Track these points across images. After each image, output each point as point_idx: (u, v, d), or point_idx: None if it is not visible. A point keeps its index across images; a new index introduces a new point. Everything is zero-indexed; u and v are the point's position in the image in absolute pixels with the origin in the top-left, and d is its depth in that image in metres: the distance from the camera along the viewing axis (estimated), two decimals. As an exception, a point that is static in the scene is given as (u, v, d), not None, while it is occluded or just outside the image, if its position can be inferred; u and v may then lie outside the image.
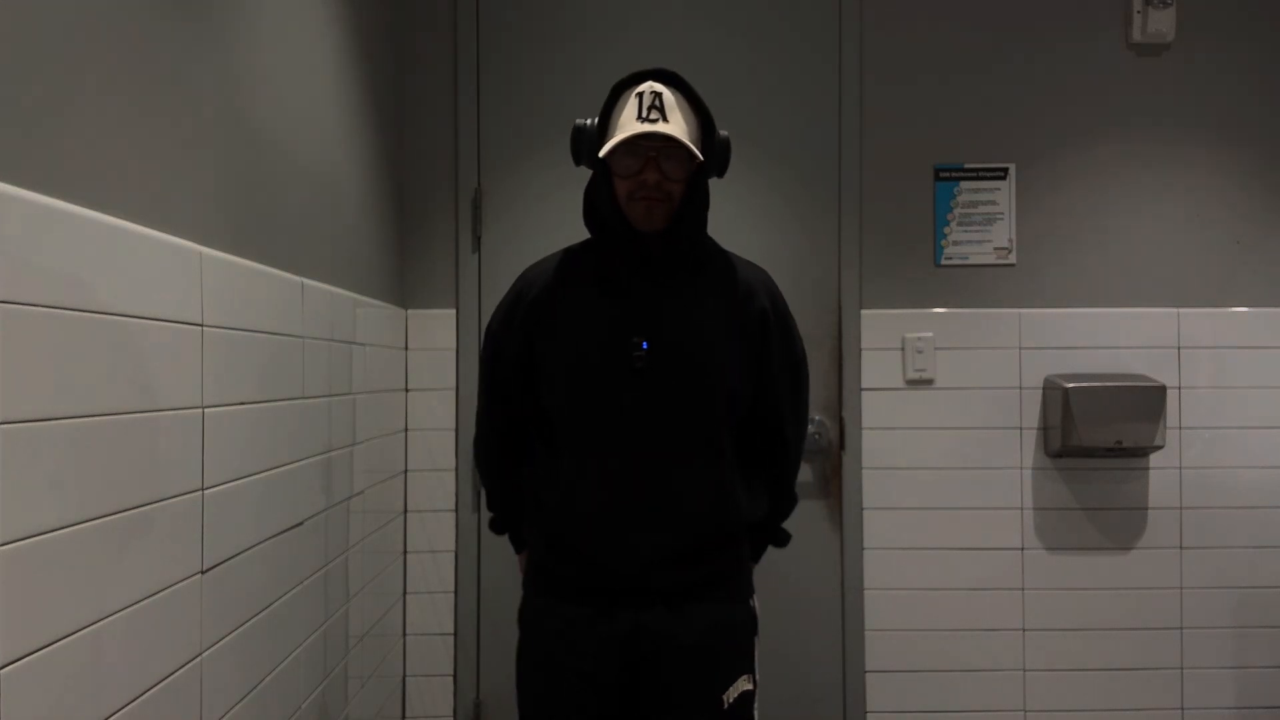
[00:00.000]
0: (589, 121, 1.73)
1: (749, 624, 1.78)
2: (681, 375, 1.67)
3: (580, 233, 1.81)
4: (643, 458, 1.67)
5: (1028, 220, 2.73)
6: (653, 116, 1.62)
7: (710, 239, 1.80)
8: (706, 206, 1.74)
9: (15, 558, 0.95)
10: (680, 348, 1.68)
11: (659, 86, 1.65)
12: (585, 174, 2.46)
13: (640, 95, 1.64)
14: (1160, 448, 2.62)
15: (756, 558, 1.88)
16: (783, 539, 1.91)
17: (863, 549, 2.69)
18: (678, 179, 1.65)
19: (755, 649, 1.79)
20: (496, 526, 1.93)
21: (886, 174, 2.72)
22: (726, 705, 1.71)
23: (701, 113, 1.69)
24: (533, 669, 1.77)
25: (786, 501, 1.88)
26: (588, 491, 1.69)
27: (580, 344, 1.69)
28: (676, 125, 1.63)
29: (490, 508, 1.94)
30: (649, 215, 1.66)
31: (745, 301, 1.74)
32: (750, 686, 1.74)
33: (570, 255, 1.80)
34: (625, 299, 1.70)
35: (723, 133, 1.71)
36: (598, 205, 1.72)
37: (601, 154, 1.65)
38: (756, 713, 1.78)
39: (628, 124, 1.63)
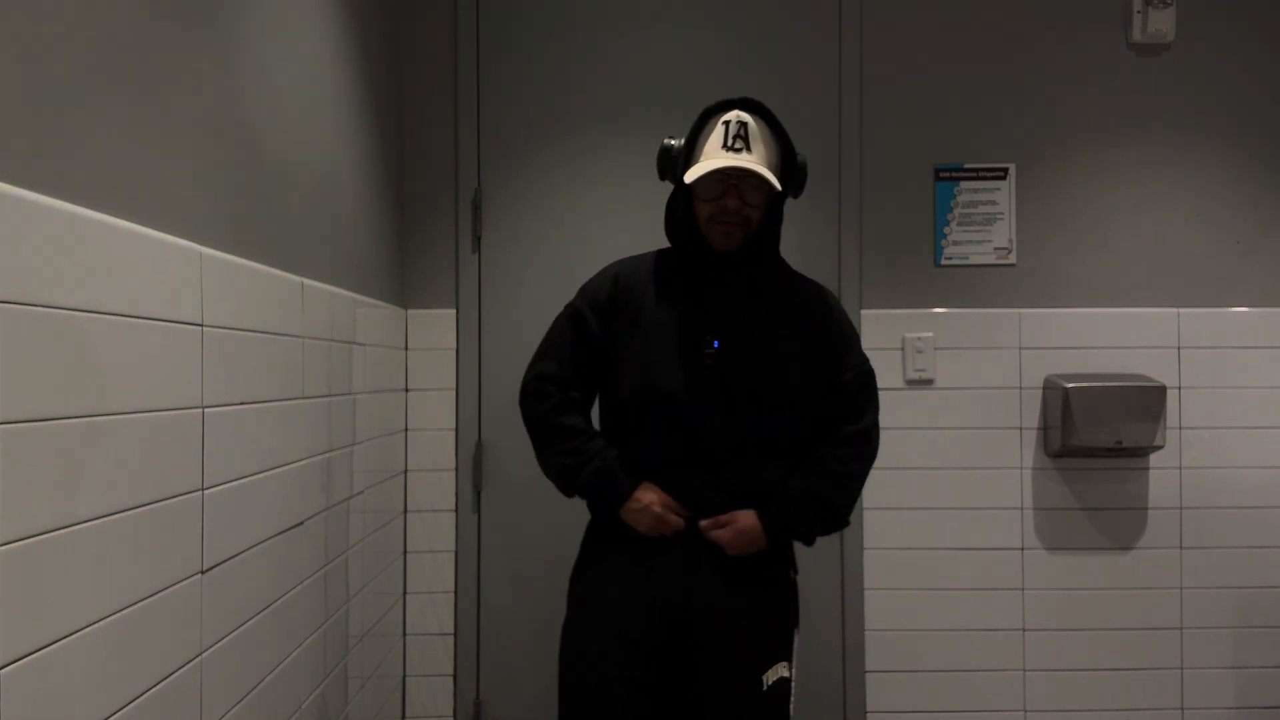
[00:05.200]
0: (676, 142, 1.82)
1: (790, 608, 1.87)
2: (747, 373, 1.79)
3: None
4: (707, 446, 1.77)
5: (1028, 220, 2.73)
6: (737, 146, 1.73)
7: (781, 257, 1.90)
8: (780, 227, 1.85)
9: (15, 558, 0.95)
10: (748, 349, 1.80)
11: (745, 116, 1.76)
12: (584, 175, 2.42)
13: (727, 124, 1.75)
14: (1160, 448, 2.62)
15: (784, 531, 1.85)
16: (810, 525, 1.87)
17: (863, 549, 2.69)
18: (756, 205, 1.77)
19: (795, 641, 1.86)
20: (580, 473, 1.81)
21: (886, 174, 2.72)
22: (765, 687, 1.77)
23: (782, 138, 1.79)
24: (580, 634, 1.83)
25: (831, 485, 1.86)
26: (653, 472, 1.79)
27: (659, 337, 1.81)
28: (759, 154, 1.74)
29: (566, 456, 1.82)
30: (727, 238, 1.79)
31: (809, 314, 1.86)
32: (787, 674, 1.82)
33: (660, 258, 1.91)
34: (701, 303, 1.82)
35: (801, 156, 1.82)
36: (678, 222, 1.82)
37: (688, 179, 1.75)
38: (793, 708, 1.83)
39: (713, 151, 1.74)
